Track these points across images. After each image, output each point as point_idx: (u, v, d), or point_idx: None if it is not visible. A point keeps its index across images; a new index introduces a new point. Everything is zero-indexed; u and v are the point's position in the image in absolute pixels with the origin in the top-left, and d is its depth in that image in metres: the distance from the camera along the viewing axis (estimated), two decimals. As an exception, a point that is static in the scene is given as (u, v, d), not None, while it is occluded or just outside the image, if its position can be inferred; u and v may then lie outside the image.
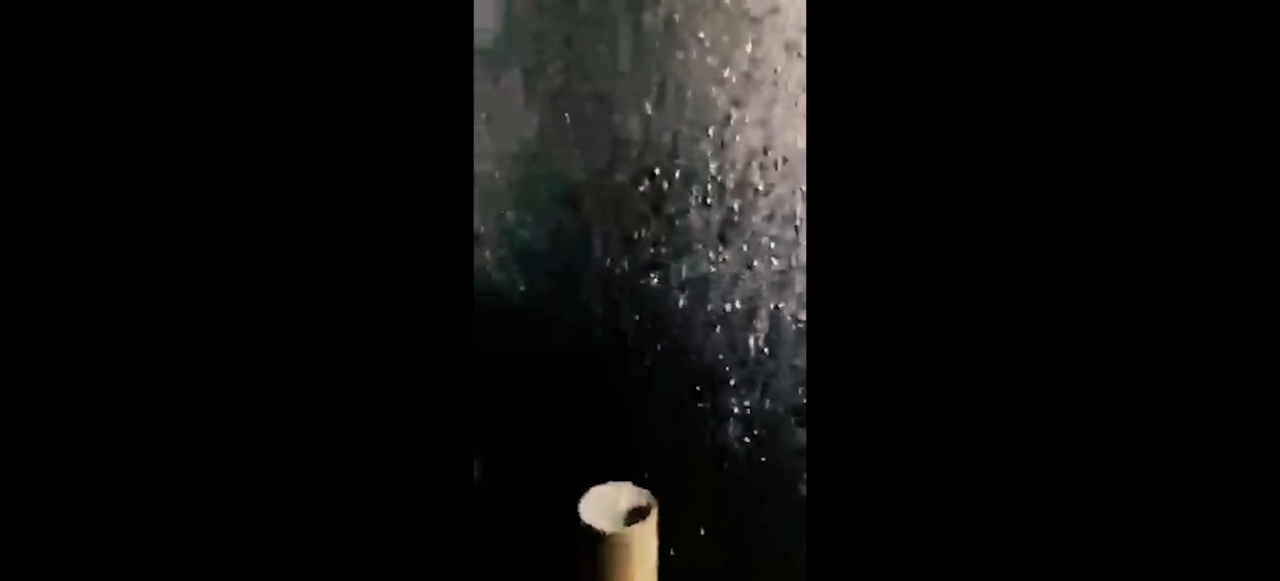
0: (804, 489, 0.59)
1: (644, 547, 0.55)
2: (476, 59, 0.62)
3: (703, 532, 0.66)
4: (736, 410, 0.64)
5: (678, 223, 0.62)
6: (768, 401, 0.61)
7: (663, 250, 0.63)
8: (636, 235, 0.64)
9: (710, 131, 0.60)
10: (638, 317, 0.65)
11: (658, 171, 0.62)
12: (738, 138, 0.59)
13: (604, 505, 0.59)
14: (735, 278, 0.62)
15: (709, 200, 0.61)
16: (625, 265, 0.64)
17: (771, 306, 0.60)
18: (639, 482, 0.60)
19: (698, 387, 0.65)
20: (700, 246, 0.62)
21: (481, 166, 0.65)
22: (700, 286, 0.63)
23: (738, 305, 0.63)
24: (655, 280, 0.64)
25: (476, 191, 0.65)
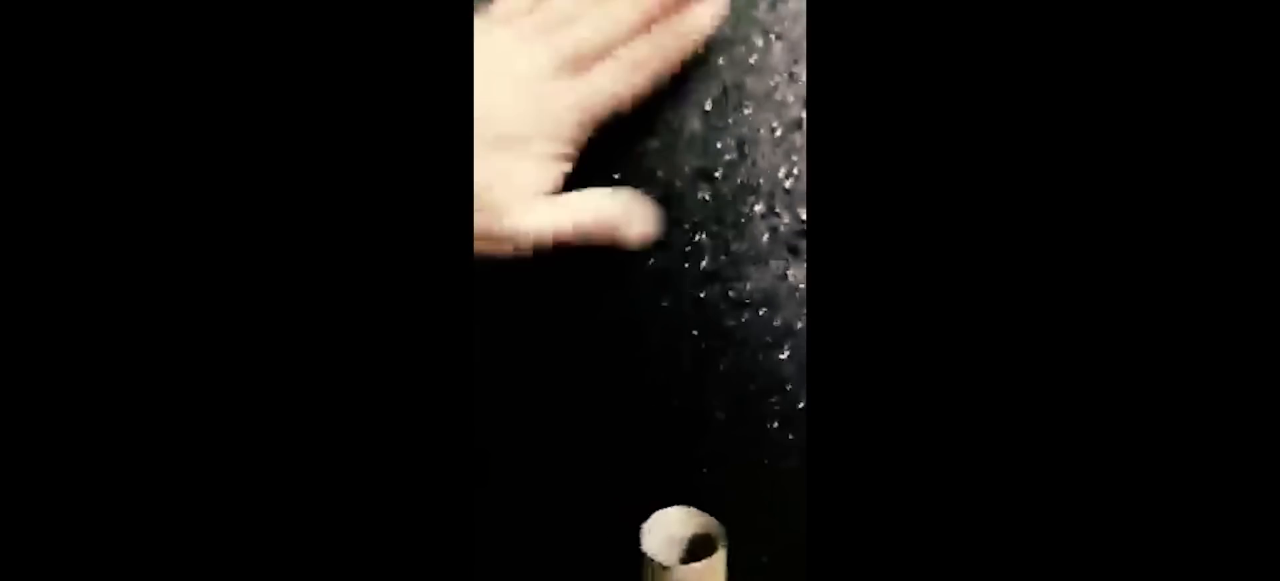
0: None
1: (712, 582, 0.51)
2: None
3: (766, 561, 0.62)
4: (801, 436, 0.60)
5: (741, 230, 0.58)
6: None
7: (723, 260, 0.59)
8: (694, 243, 0.60)
9: (777, 130, 0.56)
10: (696, 333, 0.61)
11: (719, 174, 0.58)
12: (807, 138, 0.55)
13: (666, 532, 0.55)
14: (804, 294, 0.58)
15: (777, 207, 0.57)
16: (682, 277, 0.60)
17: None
18: (701, 508, 0.56)
19: (761, 411, 0.61)
20: (766, 258, 0.58)
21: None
22: (766, 301, 0.59)
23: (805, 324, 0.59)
24: (715, 294, 0.60)
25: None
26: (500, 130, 0.45)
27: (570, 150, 0.50)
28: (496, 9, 0.49)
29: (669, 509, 0.57)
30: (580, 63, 0.46)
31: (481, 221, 0.46)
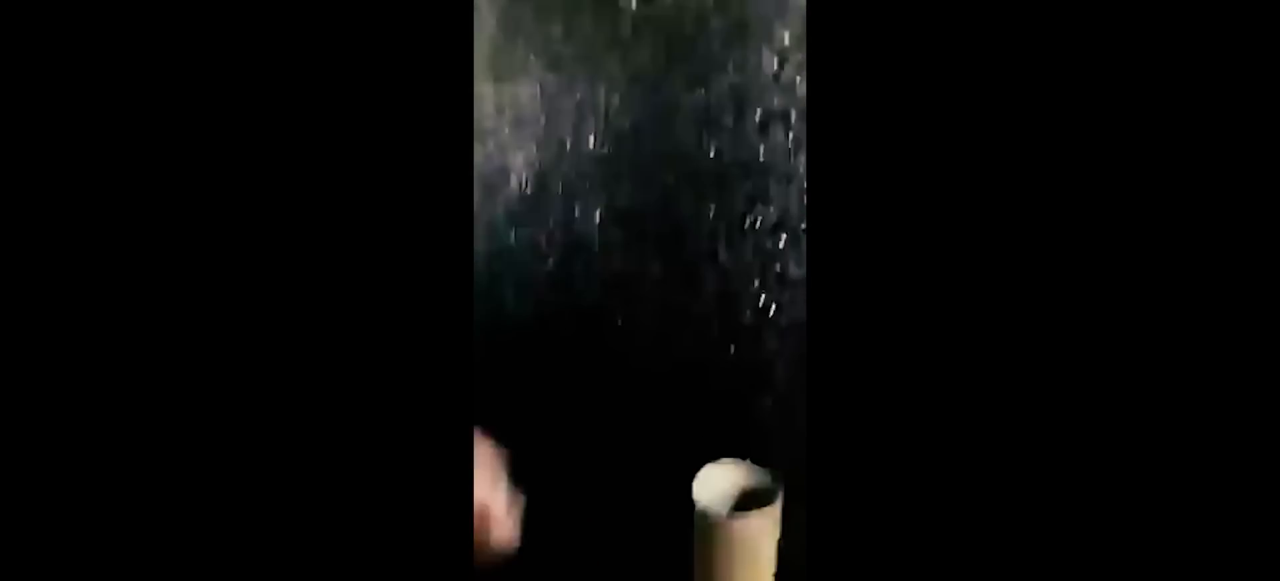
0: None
1: (763, 537, 0.49)
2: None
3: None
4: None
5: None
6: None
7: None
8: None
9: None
10: (757, 283, 0.59)
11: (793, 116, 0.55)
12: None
13: (717, 486, 0.53)
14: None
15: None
16: (748, 227, 0.58)
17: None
18: (756, 462, 0.54)
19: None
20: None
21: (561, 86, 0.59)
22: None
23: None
24: (783, 243, 0.57)
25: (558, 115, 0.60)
26: None
27: None
28: None
29: (720, 461, 0.55)
30: None
31: None
